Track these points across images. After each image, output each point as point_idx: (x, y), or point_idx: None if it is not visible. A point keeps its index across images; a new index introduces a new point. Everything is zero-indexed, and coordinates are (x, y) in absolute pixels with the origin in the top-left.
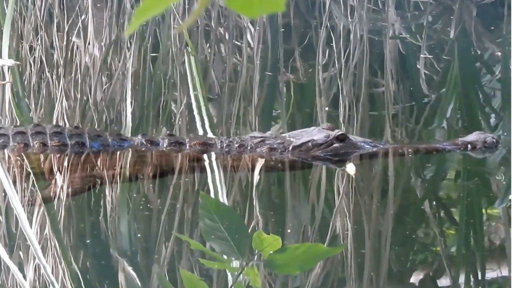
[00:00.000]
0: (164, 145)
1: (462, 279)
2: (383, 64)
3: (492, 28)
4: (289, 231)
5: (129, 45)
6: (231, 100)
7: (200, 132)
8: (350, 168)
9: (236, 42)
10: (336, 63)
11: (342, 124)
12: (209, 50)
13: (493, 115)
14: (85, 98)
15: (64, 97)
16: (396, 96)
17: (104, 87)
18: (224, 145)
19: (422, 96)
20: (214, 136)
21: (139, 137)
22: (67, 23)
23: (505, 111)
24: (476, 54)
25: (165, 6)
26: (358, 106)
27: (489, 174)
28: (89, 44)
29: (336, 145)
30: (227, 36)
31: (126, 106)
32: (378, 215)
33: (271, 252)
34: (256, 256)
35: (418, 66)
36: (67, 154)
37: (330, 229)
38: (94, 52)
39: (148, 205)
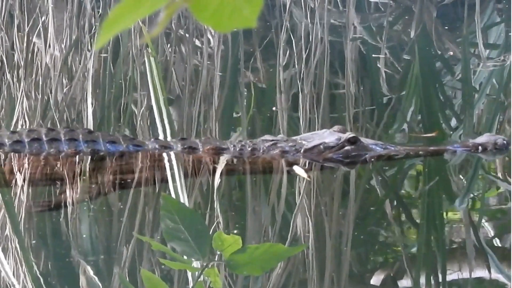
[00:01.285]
0: (178, 150)
1: (423, 279)
2: (344, 65)
3: (452, 28)
4: (249, 232)
5: (89, 45)
6: (191, 101)
7: (161, 134)
8: (299, 171)
9: (197, 43)
10: (296, 64)
11: (302, 126)
12: (169, 51)
13: (453, 116)
14: (46, 98)
15: (24, 97)
16: (357, 97)
17: (65, 88)
18: (237, 149)
19: (383, 96)
20: (226, 140)
21: (152, 141)
22: (28, 24)
23: (465, 112)
24: (436, 54)
25: (136, 17)
26: (319, 107)
27: (450, 175)
28: (49, 46)
29: (347, 147)
30: (187, 37)
31: (86, 107)
32: (339, 216)
33: (232, 252)
34: (216, 257)
35: (378, 65)
36: (82, 160)
37: (290, 229)
38: (55, 53)
39: (109, 206)
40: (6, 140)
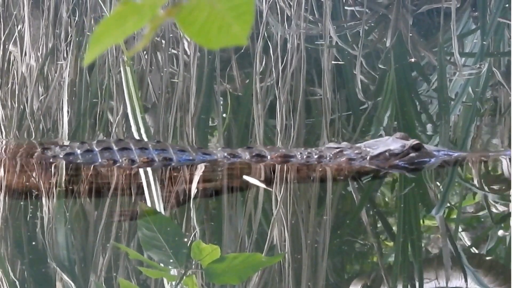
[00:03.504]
0: (246, 158)
1: None
2: (320, 72)
3: (428, 36)
4: (225, 241)
5: (65, 54)
6: (167, 109)
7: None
8: (252, 180)
9: (173, 51)
10: (274, 71)
11: (279, 133)
12: (145, 58)
13: (429, 124)
14: (21, 107)
15: (0, 106)
16: (333, 104)
17: (40, 97)
18: (304, 156)
19: (359, 104)
20: (293, 148)
21: (220, 150)
22: (4, 32)
23: (442, 119)
24: (412, 62)
25: (122, 33)
26: (295, 114)
27: (427, 183)
28: (25, 55)
29: (412, 154)
30: (163, 45)
31: (62, 115)
32: (315, 225)
33: (210, 261)
34: (194, 265)
35: (354, 72)
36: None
37: (268, 239)
38: (31, 61)
39: (85, 215)
40: (78, 151)
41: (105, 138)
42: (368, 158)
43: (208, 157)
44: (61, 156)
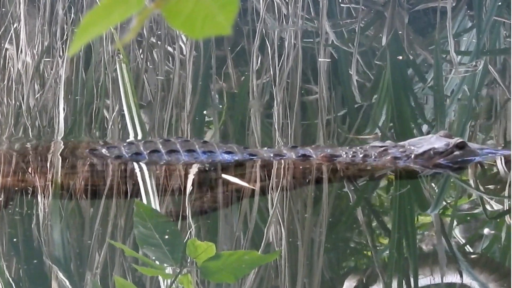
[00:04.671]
0: (292, 158)
1: (395, 285)
2: (316, 71)
3: (423, 34)
4: (221, 239)
5: (61, 52)
6: (163, 107)
7: (132, 138)
8: (231, 179)
9: (169, 49)
10: (271, 69)
11: (277, 131)
12: (141, 57)
13: (424, 122)
14: (18, 104)
15: None
16: (329, 103)
17: (36, 95)
18: (350, 155)
19: (354, 102)
20: (337, 147)
21: (266, 150)
22: (0, 30)
23: (437, 117)
24: (408, 60)
25: (109, 24)
26: (292, 113)
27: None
28: (21, 52)
29: (456, 152)
30: (159, 43)
31: (58, 113)
32: (311, 222)
33: (205, 259)
34: (190, 263)
35: (350, 72)
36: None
37: (264, 237)
38: (27, 59)
39: (81, 212)
40: (125, 152)
41: (151, 138)
42: (412, 156)
43: (255, 157)
44: (111, 157)
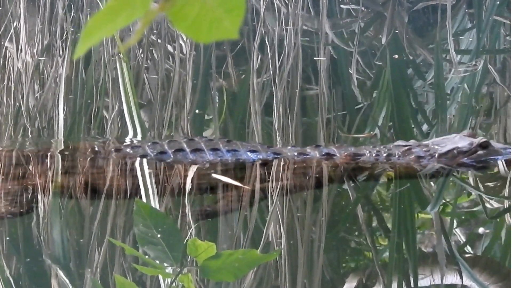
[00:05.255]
0: (316, 157)
1: (395, 285)
2: (316, 70)
3: (423, 34)
4: (221, 238)
5: (61, 51)
6: (163, 106)
7: (132, 137)
8: (221, 178)
9: (169, 48)
10: (271, 68)
11: (277, 131)
12: (141, 56)
13: (425, 121)
14: (17, 104)
15: None
16: (329, 102)
17: (36, 94)
18: (373, 154)
19: (355, 102)
20: (361, 146)
21: (290, 149)
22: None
23: (438, 117)
24: (408, 60)
25: (114, 27)
26: (292, 112)
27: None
28: (21, 51)
29: (480, 152)
30: (159, 42)
31: (58, 112)
32: (311, 222)
33: (206, 258)
34: (190, 262)
35: (350, 71)
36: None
37: (264, 236)
38: (27, 58)
39: (81, 211)
40: (150, 151)
41: (173, 135)
42: (436, 155)
43: (279, 156)
44: (136, 156)
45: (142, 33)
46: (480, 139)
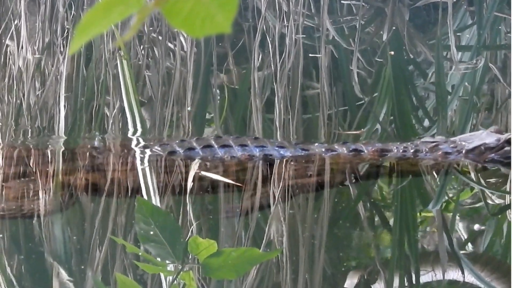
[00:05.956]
0: (344, 153)
1: (396, 282)
2: (317, 67)
3: (424, 31)
4: (223, 236)
5: (62, 48)
6: (164, 104)
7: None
8: (210, 175)
9: (170, 45)
10: (272, 65)
11: (278, 128)
12: (142, 53)
13: (426, 117)
14: (18, 102)
15: None
16: (330, 99)
17: (37, 92)
18: (401, 150)
19: (356, 99)
20: (388, 143)
21: (317, 145)
22: (0, 27)
23: (439, 113)
24: (408, 57)
25: (108, 23)
26: (293, 109)
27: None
28: (22, 49)
29: (507, 148)
30: (160, 40)
31: (59, 110)
32: (312, 218)
33: (207, 256)
34: (191, 260)
35: (351, 67)
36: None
37: (266, 233)
38: (28, 56)
39: (82, 209)
40: (178, 148)
41: (204, 136)
42: (464, 152)
43: (307, 152)
44: (164, 153)
45: (137, 29)
46: (507, 135)
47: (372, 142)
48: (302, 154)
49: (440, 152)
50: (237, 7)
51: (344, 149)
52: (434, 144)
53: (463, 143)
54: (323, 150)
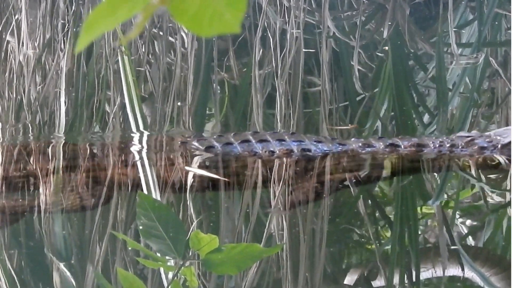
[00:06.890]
0: (381, 148)
1: (396, 278)
2: (318, 63)
3: (425, 26)
4: (223, 232)
5: (63, 44)
6: (165, 99)
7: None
8: (196, 170)
9: (171, 39)
10: (273, 61)
11: (279, 123)
12: (143, 49)
13: (427, 113)
14: (19, 97)
15: None
16: (331, 95)
17: (38, 87)
18: (437, 145)
19: (356, 94)
20: (424, 137)
21: (354, 140)
22: (1, 22)
23: (439, 109)
24: (409, 53)
25: (114, 21)
26: (294, 104)
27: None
28: (22, 45)
29: None
30: (161, 35)
31: (60, 105)
32: (313, 215)
33: (208, 251)
34: (192, 256)
35: (352, 62)
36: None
37: (266, 229)
38: (28, 51)
39: (83, 204)
40: (216, 143)
41: (238, 132)
42: (499, 146)
43: (344, 147)
44: (202, 148)
45: (142, 27)
46: None
47: (407, 137)
48: (339, 149)
49: (476, 147)
50: (246, 6)
51: (381, 143)
52: (469, 138)
53: (499, 137)
54: (360, 145)
